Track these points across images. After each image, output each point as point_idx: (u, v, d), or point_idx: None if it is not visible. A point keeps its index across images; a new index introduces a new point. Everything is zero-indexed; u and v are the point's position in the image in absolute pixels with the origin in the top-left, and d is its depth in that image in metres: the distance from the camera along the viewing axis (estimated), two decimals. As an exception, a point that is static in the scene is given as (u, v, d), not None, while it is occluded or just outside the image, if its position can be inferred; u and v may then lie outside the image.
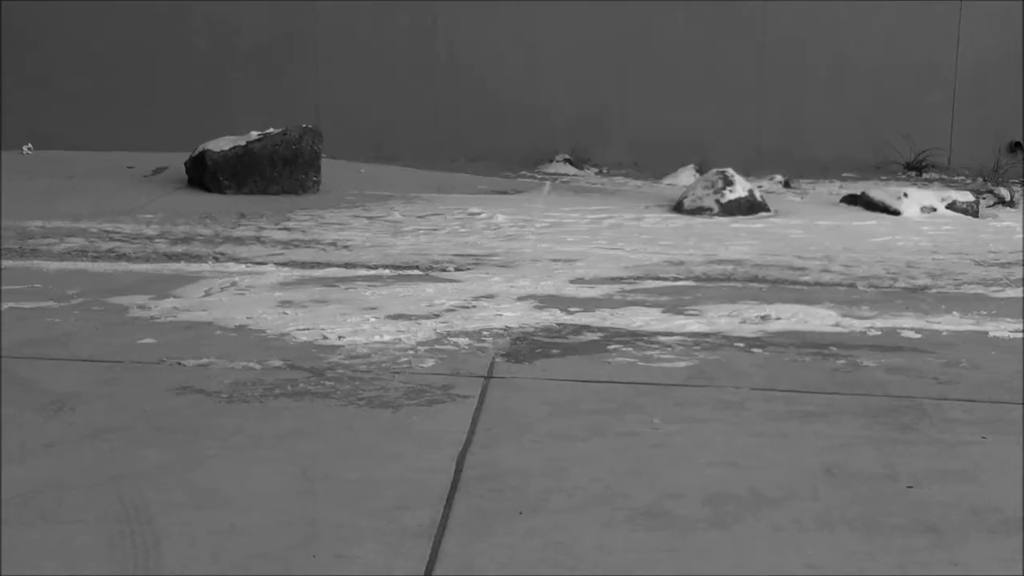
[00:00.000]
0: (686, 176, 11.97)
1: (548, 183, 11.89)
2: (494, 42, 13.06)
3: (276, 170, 10.69)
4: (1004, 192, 11.13)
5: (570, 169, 12.66)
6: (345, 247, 8.45)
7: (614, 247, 8.66)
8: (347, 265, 7.77)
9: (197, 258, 7.95)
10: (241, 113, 12.10)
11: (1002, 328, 6.45)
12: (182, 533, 3.72)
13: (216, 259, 7.93)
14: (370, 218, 9.70)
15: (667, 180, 12.09)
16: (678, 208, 10.32)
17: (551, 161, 12.75)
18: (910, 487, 4.18)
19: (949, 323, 6.55)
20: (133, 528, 3.75)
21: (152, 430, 4.61)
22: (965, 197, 10.55)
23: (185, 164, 10.97)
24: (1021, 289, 7.48)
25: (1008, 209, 10.80)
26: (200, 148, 10.80)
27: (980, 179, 12.00)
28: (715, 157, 11.66)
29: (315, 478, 4.19)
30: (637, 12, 12.99)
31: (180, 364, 5.46)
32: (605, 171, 12.76)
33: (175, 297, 6.75)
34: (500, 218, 9.70)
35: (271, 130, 10.89)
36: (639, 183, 12.11)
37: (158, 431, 4.60)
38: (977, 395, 5.26)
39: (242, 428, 4.66)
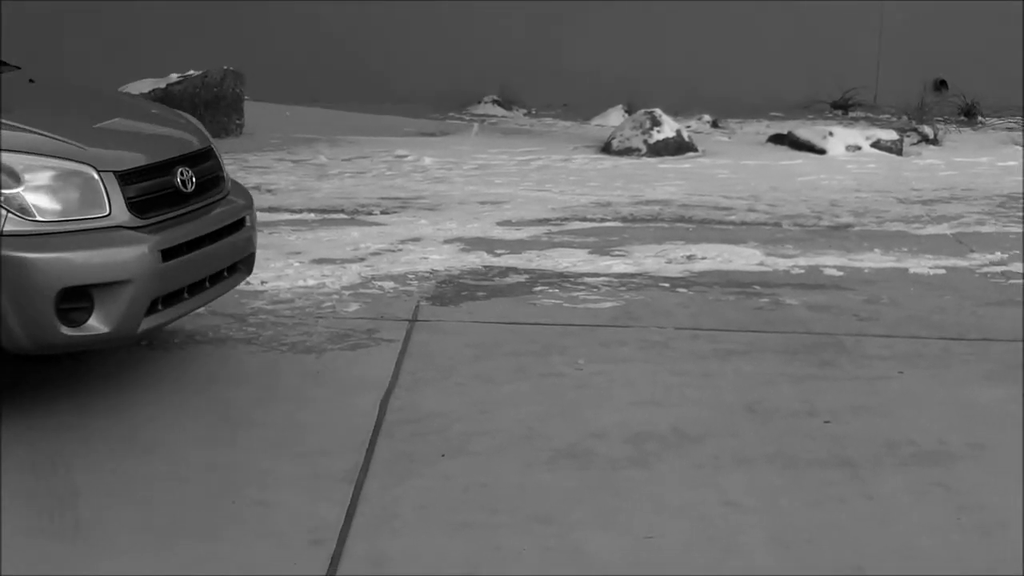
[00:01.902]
0: (615, 117, 11.95)
1: (476, 125, 11.82)
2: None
3: (197, 113, 10.46)
4: (928, 130, 11.24)
5: (499, 110, 12.59)
6: (269, 191, 8.35)
7: (541, 189, 8.65)
8: (271, 209, 7.67)
9: (118, 204, 7.80)
10: (162, 54, 11.85)
11: (922, 265, 6.54)
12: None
13: (138, 205, 7.79)
14: (295, 161, 9.59)
15: (596, 121, 12.07)
16: (606, 149, 10.31)
17: (479, 102, 12.67)
18: (827, 422, 4.24)
19: (871, 260, 6.63)
20: None
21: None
22: (889, 135, 10.65)
23: (105, 108, 10.73)
24: (943, 226, 7.59)
25: (932, 147, 10.91)
26: (119, 91, 10.56)
27: (905, 117, 12.12)
28: (644, 98, 11.65)
29: (237, 424, 4.16)
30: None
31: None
32: (534, 112, 12.71)
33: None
34: (427, 160, 9.63)
35: (192, 72, 10.69)
36: (568, 124, 12.09)
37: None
38: (896, 331, 5.33)
39: (164, 375, 4.61)
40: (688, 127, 11.04)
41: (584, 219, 7.62)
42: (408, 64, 12.91)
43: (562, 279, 6.11)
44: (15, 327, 3.80)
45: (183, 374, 4.64)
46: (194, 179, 4.37)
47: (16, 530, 3.36)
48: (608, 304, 5.69)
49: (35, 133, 4.03)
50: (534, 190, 8.58)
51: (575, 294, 5.84)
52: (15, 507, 3.49)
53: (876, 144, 10.46)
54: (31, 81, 4.82)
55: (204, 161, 4.54)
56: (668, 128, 10.33)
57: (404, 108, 12.26)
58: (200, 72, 10.67)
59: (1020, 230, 7.47)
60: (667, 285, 6.04)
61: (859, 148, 10.39)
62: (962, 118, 12.51)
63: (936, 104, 12.52)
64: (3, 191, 3.81)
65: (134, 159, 4.18)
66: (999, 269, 6.47)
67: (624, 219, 7.66)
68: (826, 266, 6.48)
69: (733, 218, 7.76)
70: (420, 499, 3.61)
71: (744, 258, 6.60)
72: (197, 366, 4.73)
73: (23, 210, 3.83)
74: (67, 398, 4.33)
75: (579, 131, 11.65)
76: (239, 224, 4.59)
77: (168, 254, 4.08)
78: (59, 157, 3.96)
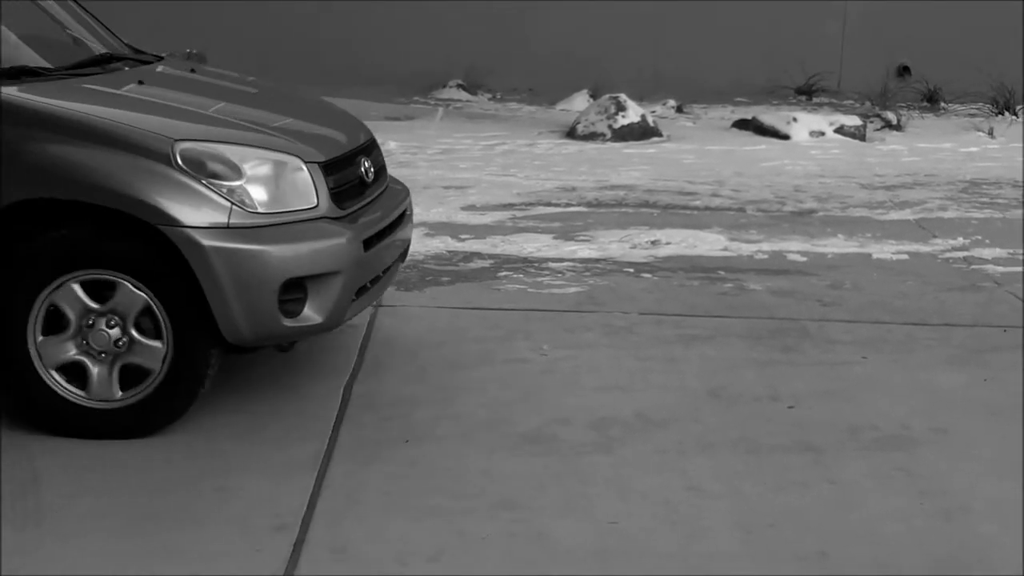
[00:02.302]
0: (580, 101, 11.93)
1: (441, 109, 11.78)
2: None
3: (161, 96, 10.40)
4: (891, 116, 11.30)
5: (464, 95, 12.54)
6: (233, 175, 8.28)
7: (506, 173, 8.63)
8: (234, 193, 7.61)
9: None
10: (123, 36, 11.71)
11: (885, 250, 6.57)
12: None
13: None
14: (259, 145, 9.51)
15: (561, 105, 12.05)
16: (571, 134, 10.30)
17: (444, 87, 12.61)
18: (791, 407, 4.25)
19: (834, 246, 6.66)
20: None
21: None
22: (853, 121, 10.70)
23: (66, 90, 10.61)
24: (905, 212, 7.63)
25: (895, 133, 10.97)
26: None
27: (868, 103, 12.17)
28: (609, 83, 11.64)
29: (199, 409, 4.12)
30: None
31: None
32: (499, 97, 12.67)
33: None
34: (392, 145, 9.57)
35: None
36: (533, 109, 12.06)
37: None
38: (859, 316, 5.36)
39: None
40: (653, 112, 11.04)
41: (549, 204, 7.61)
42: (373, 48, 12.83)
43: (527, 264, 6.10)
44: (239, 319, 3.76)
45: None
46: (372, 169, 4.37)
47: (-26, 518, 3.32)
48: (573, 289, 5.69)
49: (243, 126, 4.02)
50: (499, 175, 8.56)
51: (540, 279, 5.83)
52: (-27, 494, 3.45)
53: (840, 130, 10.51)
54: (192, 71, 4.79)
55: (374, 151, 4.54)
56: (633, 113, 10.33)
57: (369, 92, 12.18)
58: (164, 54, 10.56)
59: (982, 216, 7.53)
60: (631, 270, 6.05)
61: (823, 134, 10.43)
62: (925, 104, 12.58)
63: (899, 90, 12.58)
64: (227, 183, 3.77)
65: (330, 150, 4.17)
66: (961, 255, 6.51)
67: (589, 204, 7.65)
68: (790, 251, 6.50)
69: (697, 203, 7.77)
70: (384, 485, 3.59)
71: (708, 243, 6.61)
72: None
73: (244, 203, 3.79)
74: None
75: (544, 116, 11.62)
76: (404, 213, 4.59)
77: (366, 244, 4.08)
78: (271, 149, 3.94)
